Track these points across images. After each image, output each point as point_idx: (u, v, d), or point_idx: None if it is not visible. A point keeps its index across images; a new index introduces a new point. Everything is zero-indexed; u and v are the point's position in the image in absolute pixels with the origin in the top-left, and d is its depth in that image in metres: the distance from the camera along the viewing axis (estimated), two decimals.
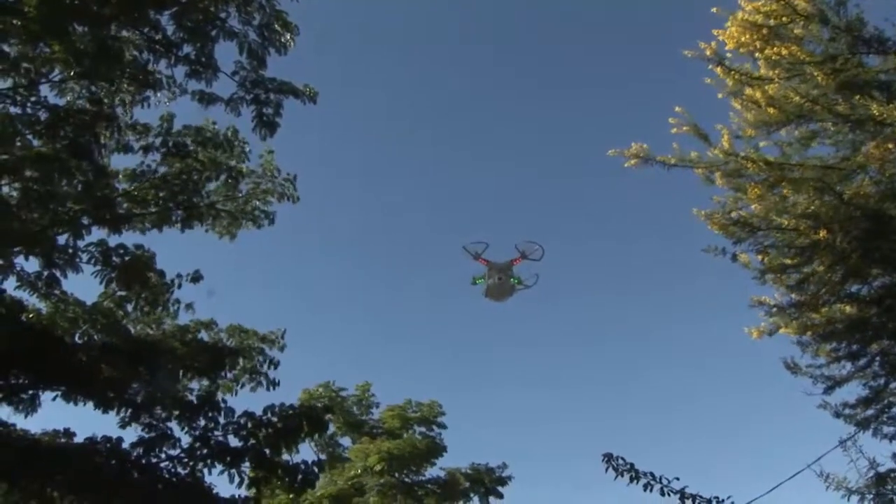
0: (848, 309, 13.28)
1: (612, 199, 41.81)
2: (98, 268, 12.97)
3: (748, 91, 12.03)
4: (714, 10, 12.08)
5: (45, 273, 12.98)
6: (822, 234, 11.50)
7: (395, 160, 42.65)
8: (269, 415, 13.97)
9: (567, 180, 42.83)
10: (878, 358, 14.04)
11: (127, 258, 12.88)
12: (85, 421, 13.60)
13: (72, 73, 12.22)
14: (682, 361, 40.94)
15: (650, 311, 42.99)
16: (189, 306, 14.06)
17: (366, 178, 42.81)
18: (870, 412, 14.28)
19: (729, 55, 12.12)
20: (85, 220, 12.87)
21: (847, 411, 14.35)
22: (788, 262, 12.90)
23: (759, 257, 12.95)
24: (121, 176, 13.69)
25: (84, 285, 13.27)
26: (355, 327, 41.22)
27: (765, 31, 11.05)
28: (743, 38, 11.34)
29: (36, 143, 12.72)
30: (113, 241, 13.15)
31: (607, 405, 41.85)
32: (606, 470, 8.22)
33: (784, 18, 10.99)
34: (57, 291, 13.26)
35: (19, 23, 11.26)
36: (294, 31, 12.08)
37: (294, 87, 12.39)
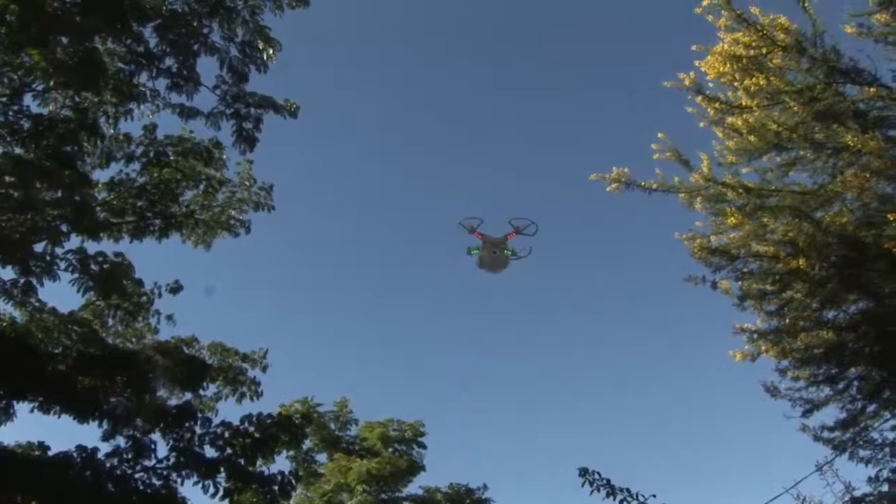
0: (826, 335, 13.34)
1: (600, 217, 41.39)
2: (76, 276, 12.90)
3: (729, 119, 12.15)
4: (694, 47, 12.26)
5: (22, 280, 12.89)
6: (801, 262, 11.58)
7: (373, 170, 42.35)
8: (247, 425, 14.02)
9: (553, 202, 42.47)
10: (855, 382, 14.13)
11: (105, 266, 12.78)
12: (63, 431, 13.63)
13: (53, 83, 12.20)
14: (665, 379, 40.78)
15: (635, 328, 42.86)
16: (170, 318, 14.01)
17: (346, 186, 42.42)
18: (847, 435, 14.37)
19: (710, 84, 12.22)
20: (63, 228, 12.76)
21: (826, 434, 14.43)
22: (768, 288, 12.97)
23: (739, 284, 13.01)
24: (100, 185, 13.62)
25: (62, 294, 13.26)
26: (334, 340, 40.96)
27: (744, 61, 11.13)
28: (722, 69, 11.44)
29: (18, 150, 12.68)
30: (92, 248, 13.13)
31: (589, 420, 41.72)
32: (583, 485, 8.22)
33: (763, 49, 11.08)
34: (33, 300, 13.19)
35: (3, 30, 11.26)
36: (276, 46, 12.08)
37: (274, 102, 12.44)
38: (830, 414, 14.27)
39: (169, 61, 12.07)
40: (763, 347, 13.70)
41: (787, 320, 13.25)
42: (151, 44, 11.88)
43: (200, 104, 12.79)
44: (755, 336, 13.73)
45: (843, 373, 13.99)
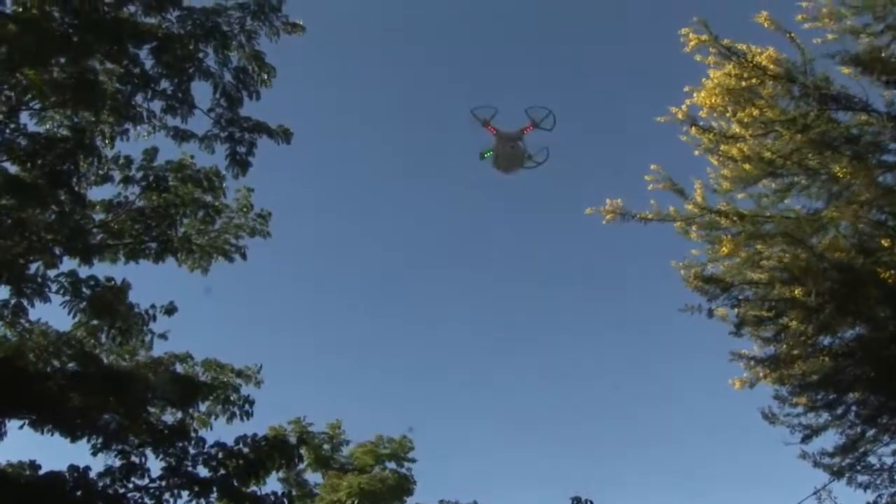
0: (823, 361, 13.27)
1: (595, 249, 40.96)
2: (67, 298, 12.92)
3: (723, 147, 12.14)
4: (686, 88, 12.30)
5: (13, 301, 12.93)
6: (796, 289, 11.54)
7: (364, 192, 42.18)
8: (241, 445, 14.01)
9: (546, 233, 42.13)
10: (853, 407, 14.04)
11: (97, 290, 12.83)
12: (55, 450, 13.64)
13: (50, 102, 12.26)
14: (663, 402, 40.36)
15: (636, 351, 42.53)
16: (163, 335, 14.03)
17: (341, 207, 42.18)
18: (847, 461, 14.28)
19: (703, 114, 12.21)
20: (57, 250, 12.81)
21: (826, 460, 14.33)
22: (764, 314, 12.93)
23: (735, 311, 12.98)
24: (97, 206, 13.67)
25: (55, 313, 13.31)
26: (326, 361, 40.73)
27: (736, 92, 11.14)
28: (714, 101, 11.46)
29: (14, 169, 12.74)
30: (84, 272, 13.09)
31: (584, 441, 41.42)
32: None
33: (754, 79, 11.08)
34: (24, 321, 13.23)
35: (4, 49, 11.33)
36: (271, 72, 12.12)
37: (267, 127, 12.50)
38: (829, 439, 14.20)
39: (164, 83, 12.10)
40: (761, 374, 13.67)
41: (784, 347, 13.20)
42: (147, 65, 11.91)
43: (195, 127, 12.86)
44: (753, 363, 13.69)
45: (841, 398, 13.91)
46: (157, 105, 12.49)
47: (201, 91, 12.36)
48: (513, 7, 37.37)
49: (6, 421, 13.22)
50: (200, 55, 11.85)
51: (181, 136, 12.80)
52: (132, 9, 11.57)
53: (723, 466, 38.77)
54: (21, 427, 13.24)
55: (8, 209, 12.53)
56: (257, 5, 11.99)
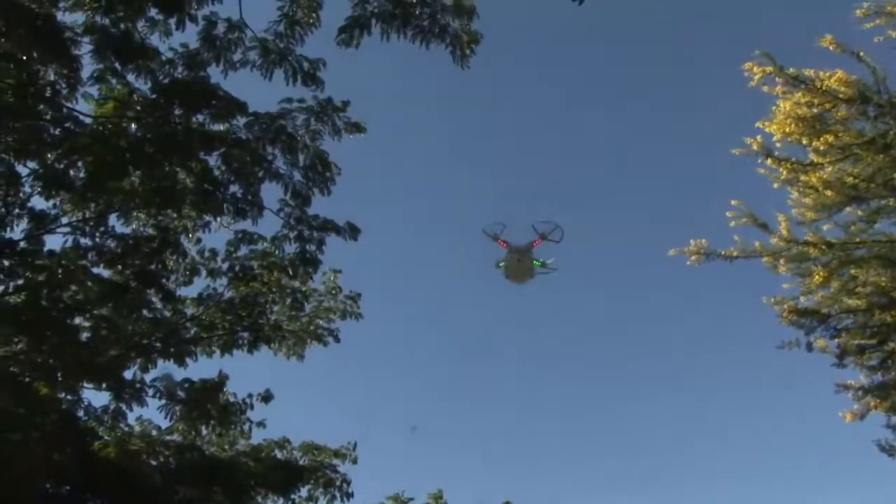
0: None
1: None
2: (163, 402, 13.19)
3: (803, 177, 11.92)
4: (758, 124, 12.20)
5: (112, 406, 13.34)
6: None
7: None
8: None
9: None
10: None
11: (194, 389, 13.14)
12: None
13: (134, 204, 12.75)
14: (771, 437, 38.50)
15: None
16: (260, 424, 14.21)
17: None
18: None
19: (778, 145, 12.03)
20: (153, 354, 13.19)
21: None
22: (867, 342, 12.46)
23: (836, 341, 12.55)
24: (188, 301, 14.06)
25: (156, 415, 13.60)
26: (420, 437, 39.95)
27: (808, 120, 10.98)
28: (788, 129, 11.29)
29: (106, 273, 13.22)
30: (179, 374, 13.35)
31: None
32: None
33: (826, 105, 10.92)
34: (123, 425, 13.63)
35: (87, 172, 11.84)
36: (335, 170, 12.39)
37: (336, 225, 12.69)
38: None
39: (233, 188, 12.40)
40: (872, 403, 13.12)
41: (893, 373, 12.67)
42: (216, 172, 12.23)
43: (264, 227, 13.04)
44: (861, 393, 13.16)
45: None
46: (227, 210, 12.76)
47: (270, 193, 12.59)
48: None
49: None
50: (270, 157, 12.14)
51: (248, 239, 13.25)
52: (201, 118, 11.98)
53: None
54: None
55: (104, 317, 13.00)
56: (320, 107, 12.17)
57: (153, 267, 13.28)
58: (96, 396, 14.42)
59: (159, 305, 13.57)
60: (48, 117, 11.73)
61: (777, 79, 11.58)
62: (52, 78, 11.57)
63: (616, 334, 39.89)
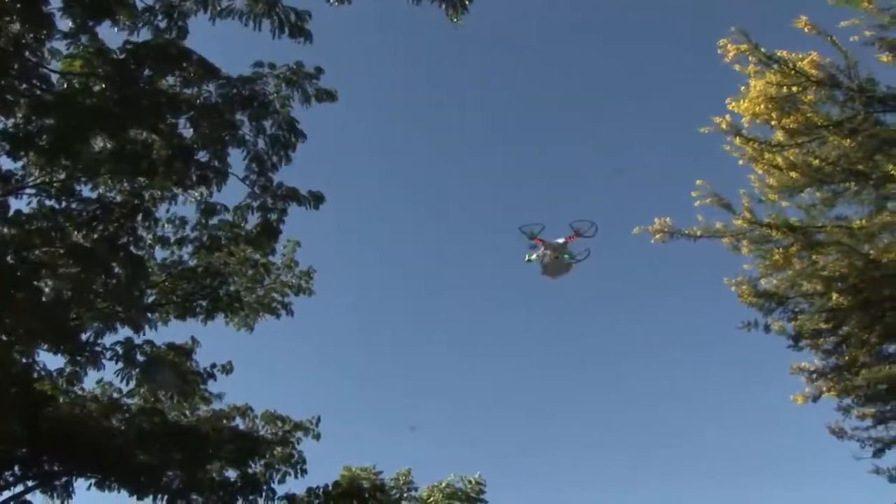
0: (888, 369, 12.95)
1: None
2: (120, 366, 12.92)
3: (768, 156, 12.06)
4: (728, 104, 12.23)
5: (68, 370, 13.14)
6: (854, 297, 11.35)
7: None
8: (312, 497, 14.08)
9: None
10: None
11: (157, 352, 13.02)
12: None
13: (105, 169, 12.51)
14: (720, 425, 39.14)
15: (690, 373, 41.39)
16: (220, 396, 14.27)
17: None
18: None
19: (746, 124, 12.17)
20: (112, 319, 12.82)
21: None
22: (823, 326, 12.69)
23: (792, 324, 12.77)
24: (154, 268, 13.88)
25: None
26: (383, 410, 40.01)
27: (779, 100, 11.11)
28: (757, 109, 11.41)
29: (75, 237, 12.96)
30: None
31: (654, 466, 40.21)
32: None
33: (796, 86, 11.07)
34: (78, 388, 13.50)
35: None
36: (301, 138, 12.11)
37: (298, 194, 12.38)
38: None
39: (200, 154, 12.11)
40: (824, 387, 13.37)
41: (847, 357, 12.92)
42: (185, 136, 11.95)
43: (227, 195, 12.74)
44: (815, 376, 13.41)
45: None
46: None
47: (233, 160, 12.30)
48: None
49: (74, 479, 13.42)
50: (238, 123, 11.87)
51: (210, 210, 13.02)
52: (170, 80, 11.75)
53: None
54: (89, 488, 13.43)
55: (69, 277, 12.76)
56: (292, 72, 11.96)
57: (124, 232, 13.10)
58: (52, 360, 14.15)
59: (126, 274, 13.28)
60: (13, 72, 11.42)
61: (750, 57, 11.64)
62: (18, 29, 11.03)
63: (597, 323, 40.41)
